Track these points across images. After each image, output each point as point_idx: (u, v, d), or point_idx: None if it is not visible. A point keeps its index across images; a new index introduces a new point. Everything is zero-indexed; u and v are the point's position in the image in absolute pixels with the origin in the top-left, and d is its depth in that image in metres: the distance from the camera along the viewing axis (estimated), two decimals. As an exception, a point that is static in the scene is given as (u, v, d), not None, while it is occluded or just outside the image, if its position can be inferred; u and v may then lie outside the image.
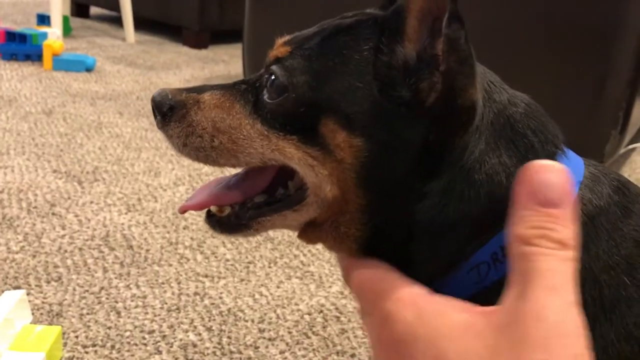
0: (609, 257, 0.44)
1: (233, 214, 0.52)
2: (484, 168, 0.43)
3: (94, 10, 3.75)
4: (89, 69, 2.50)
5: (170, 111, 0.50)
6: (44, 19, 3.02)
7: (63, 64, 2.46)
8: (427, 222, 0.44)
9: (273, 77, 0.47)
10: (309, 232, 0.50)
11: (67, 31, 3.05)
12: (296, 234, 0.53)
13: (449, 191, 0.43)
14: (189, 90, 0.53)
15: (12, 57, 2.52)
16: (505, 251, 0.43)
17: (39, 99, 2.07)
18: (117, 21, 3.36)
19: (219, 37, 3.32)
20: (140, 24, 3.34)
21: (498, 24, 1.79)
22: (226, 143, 0.49)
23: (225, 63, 2.98)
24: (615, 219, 0.45)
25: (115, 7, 3.15)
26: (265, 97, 0.47)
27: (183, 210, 0.53)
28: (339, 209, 0.46)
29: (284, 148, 0.46)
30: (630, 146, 2.03)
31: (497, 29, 1.79)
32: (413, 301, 0.39)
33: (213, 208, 0.53)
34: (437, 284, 0.45)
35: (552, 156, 0.45)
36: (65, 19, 3.04)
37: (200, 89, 0.52)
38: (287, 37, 0.50)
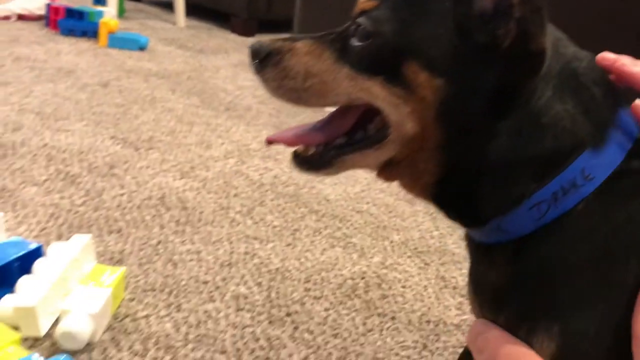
0: None
1: (317, 153, 0.57)
2: (550, 113, 0.48)
3: (145, -6, 3.85)
4: (142, 48, 2.59)
5: (267, 57, 0.56)
6: (99, 0, 3.13)
7: (118, 42, 2.55)
8: (496, 160, 0.49)
9: (360, 25, 0.52)
10: (387, 171, 0.55)
11: (121, 12, 3.16)
12: (374, 175, 0.57)
13: (518, 132, 0.48)
14: (283, 40, 0.58)
15: (70, 32, 2.62)
16: (564, 191, 0.48)
17: (95, 72, 2.16)
18: (168, 6, 3.46)
19: (266, 26, 3.39)
20: (191, 10, 3.43)
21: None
22: (317, 84, 0.54)
23: (271, 51, 3.04)
24: None
25: (168, -9, 3.24)
26: (354, 43, 0.53)
27: (270, 141, 0.58)
28: (417, 146, 0.51)
29: (370, 88, 0.51)
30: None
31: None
32: None
33: (299, 148, 0.58)
34: (499, 219, 0.50)
35: (613, 108, 0.49)
36: (120, 1, 3.14)
37: (292, 39, 0.57)
38: None
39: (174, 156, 1.55)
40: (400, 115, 0.51)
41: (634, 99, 0.51)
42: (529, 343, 0.47)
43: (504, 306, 0.51)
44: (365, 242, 1.28)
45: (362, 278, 1.14)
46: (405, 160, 0.53)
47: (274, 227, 1.28)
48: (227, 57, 2.76)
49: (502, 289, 0.51)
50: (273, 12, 3.29)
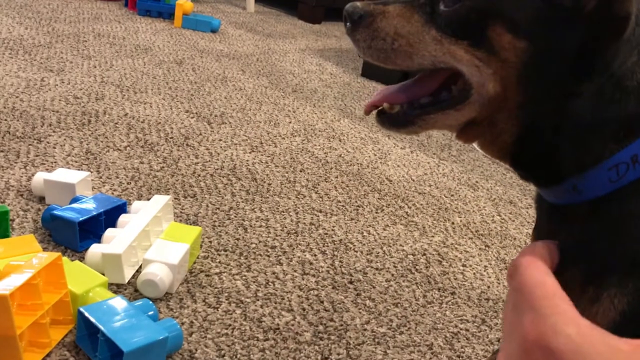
0: None
1: (401, 112, 0.60)
2: (635, 77, 0.49)
3: (217, -21, 3.95)
4: (213, 30, 2.67)
5: (359, 19, 0.60)
6: (174, -17, 3.23)
7: (191, 23, 2.64)
8: (577, 120, 0.51)
9: None
10: (468, 131, 0.58)
11: (194, -4, 3.25)
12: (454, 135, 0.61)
13: (600, 94, 0.50)
14: (375, 3, 0.62)
15: (146, 13, 2.73)
16: None
17: (171, 51, 2.25)
18: (239, -9, 3.54)
19: (332, 14, 3.43)
20: (260, -5, 3.50)
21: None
22: (404, 46, 0.57)
23: (337, 38, 3.09)
24: None
25: (239, -23, 3.32)
26: (442, 7, 0.56)
27: (368, 109, 0.63)
28: (498, 107, 0.54)
29: (455, 51, 0.54)
30: None
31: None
32: (575, 319, 0.39)
33: (385, 105, 0.62)
34: (575, 179, 0.52)
35: None
36: (194, -16, 3.24)
37: (384, 3, 0.61)
38: None
39: (244, 131, 1.61)
40: (482, 77, 0.53)
41: None
42: (598, 298, 0.50)
43: (569, 265, 0.53)
44: (427, 222, 1.31)
45: (423, 255, 1.17)
46: (485, 120, 0.56)
47: (338, 201, 1.32)
48: (295, 42, 2.81)
49: (571, 248, 0.53)
50: (339, 0, 3.32)
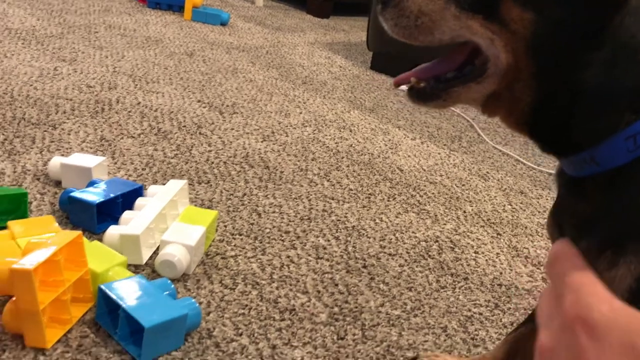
0: None
1: (428, 86, 0.63)
2: None
3: (225, -26, 3.96)
4: (223, 23, 2.68)
5: (389, 1, 0.62)
6: (184, -23, 3.24)
7: (201, 16, 2.65)
8: (590, 90, 0.52)
9: None
10: (490, 104, 0.60)
11: (203, -11, 3.26)
12: (479, 109, 0.62)
13: (612, 63, 0.51)
14: None
15: (156, 5, 2.74)
16: None
17: (181, 43, 2.26)
18: (247, -14, 3.54)
19: (341, 9, 3.44)
20: (269, -10, 3.51)
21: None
22: (427, 22, 0.59)
23: (345, 32, 3.09)
24: None
25: (248, -29, 3.33)
26: None
27: (397, 83, 0.65)
28: (513, 78, 0.55)
29: (471, 25, 0.56)
30: None
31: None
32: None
33: (413, 80, 0.64)
34: (593, 149, 0.53)
35: None
36: (203, -22, 3.25)
37: None
38: None
39: (255, 121, 1.62)
40: (495, 49, 0.55)
41: None
42: (615, 264, 0.50)
43: (587, 234, 0.54)
44: (439, 210, 1.31)
45: (436, 241, 1.18)
46: (504, 91, 0.57)
47: (350, 190, 1.33)
48: (304, 35, 2.82)
49: (589, 218, 0.55)
50: (350, -6, 3.33)
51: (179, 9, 2.72)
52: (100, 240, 0.96)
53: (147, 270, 0.93)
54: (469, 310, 0.98)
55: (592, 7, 0.51)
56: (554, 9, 0.52)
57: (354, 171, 1.43)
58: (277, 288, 0.94)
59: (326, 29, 3.10)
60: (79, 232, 0.80)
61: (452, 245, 1.18)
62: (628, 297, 0.50)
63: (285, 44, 2.59)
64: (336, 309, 0.92)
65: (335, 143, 1.58)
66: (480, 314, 0.98)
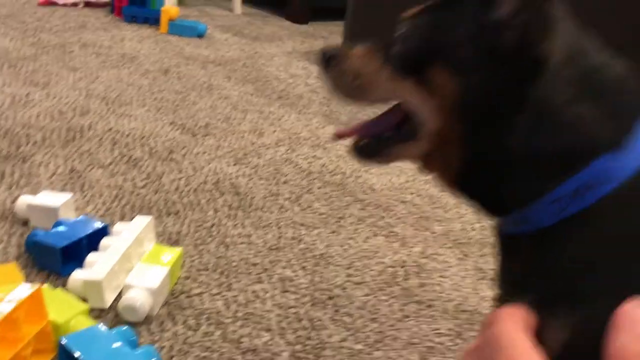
0: None
1: (369, 144, 0.66)
2: (571, 114, 0.51)
3: (204, -20, 3.95)
4: (200, 35, 2.69)
5: (329, 60, 0.64)
6: (161, -14, 3.24)
7: (177, 29, 2.65)
8: (516, 154, 0.53)
9: (401, 32, 0.59)
10: (426, 162, 0.62)
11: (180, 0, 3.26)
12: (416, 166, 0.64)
13: (535, 127, 0.52)
14: (345, 46, 0.66)
15: (132, 19, 2.74)
16: (586, 188, 0.52)
17: (157, 59, 2.26)
18: (226, -8, 3.54)
19: (319, 14, 3.44)
20: (247, -3, 3.51)
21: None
22: (364, 83, 0.62)
23: (324, 39, 3.10)
24: None
25: (226, -22, 3.33)
26: (395, 48, 0.59)
27: (339, 135, 0.69)
28: (443, 140, 0.57)
29: (403, 87, 0.58)
30: None
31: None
32: None
33: (354, 138, 0.67)
34: (522, 211, 0.54)
35: (632, 117, 0.53)
36: (180, -13, 3.25)
37: (352, 45, 0.65)
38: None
39: (228, 142, 1.63)
40: (426, 111, 0.57)
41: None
42: (546, 326, 0.52)
43: (525, 292, 0.56)
44: (407, 232, 1.33)
45: (402, 266, 1.20)
46: (436, 152, 0.59)
47: (320, 214, 1.35)
48: (282, 44, 2.83)
49: (525, 275, 0.56)
50: (327, 0, 3.33)
51: (155, 21, 2.73)
52: (66, 282, 0.97)
53: (112, 313, 0.94)
54: (431, 340, 1.00)
55: (512, 73, 0.52)
56: (478, 75, 0.54)
57: (325, 193, 1.45)
58: (240, 327, 0.96)
59: (305, 36, 3.10)
60: (38, 286, 0.81)
61: (418, 270, 1.19)
62: (561, 352, 0.52)
63: (262, 54, 2.59)
64: (299, 347, 0.94)
65: (308, 163, 1.59)
66: (442, 344, 1.00)
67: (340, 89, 0.64)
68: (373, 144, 0.65)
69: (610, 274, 0.51)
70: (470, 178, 0.58)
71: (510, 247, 0.59)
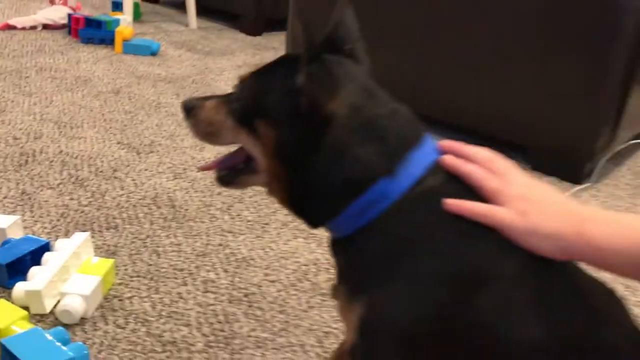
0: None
1: (226, 175, 0.83)
2: (354, 152, 0.69)
3: (163, -5, 4.09)
4: (153, 53, 2.83)
5: (189, 111, 0.81)
6: (117, 5, 3.37)
7: (132, 48, 2.80)
8: (317, 184, 0.71)
9: (237, 93, 0.76)
10: (267, 189, 0.79)
11: (137, 16, 3.40)
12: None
13: (328, 164, 0.70)
14: (203, 98, 0.82)
15: (89, 40, 2.88)
16: (370, 205, 0.69)
17: (109, 80, 2.41)
18: (183, 7, 3.67)
19: (274, 25, 3.60)
20: (203, 11, 3.66)
21: (503, 32, 2.00)
22: (213, 130, 0.79)
23: (275, 50, 3.26)
24: (439, 194, 0.70)
25: (181, -6, 3.47)
26: (233, 105, 0.76)
27: (203, 169, 0.87)
28: (273, 174, 0.74)
29: (240, 135, 0.75)
30: (631, 142, 2.19)
31: (503, 36, 2.00)
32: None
33: (214, 171, 0.83)
34: (331, 223, 0.72)
35: (405, 150, 0.70)
36: (136, 5, 3.39)
37: (208, 98, 0.81)
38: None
39: (170, 159, 1.79)
40: (256, 153, 0.75)
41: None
42: (353, 307, 0.70)
43: (344, 282, 0.74)
44: (325, 234, 1.50)
45: (315, 264, 1.37)
46: (272, 182, 0.76)
47: (248, 221, 1.51)
48: (233, 58, 2.98)
49: (344, 269, 0.75)
50: (279, 11, 3.48)
51: (111, 42, 2.86)
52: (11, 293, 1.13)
53: (51, 317, 1.10)
54: (329, 326, 1.17)
55: (311, 126, 0.70)
56: (287, 127, 0.71)
57: (255, 202, 1.61)
58: (163, 324, 1.13)
59: (257, 48, 3.26)
60: (-19, 297, 0.97)
61: (328, 266, 1.36)
62: (359, 325, 0.70)
63: (212, 69, 2.75)
64: (212, 338, 1.11)
65: (243, 173, 1.76)
66: (337, 328, 1.17)
67: (197, 134, 0.81)
68: (229, 175, 0.82)
69: (389, 265, 0.69)
70: (295, 200, 0.75)
71: (336, 248, 0.77)
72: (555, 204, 0.69)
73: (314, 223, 0.76)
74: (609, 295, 0.76)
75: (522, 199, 0.68)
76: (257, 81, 0.75)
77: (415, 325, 0.67)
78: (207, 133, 0.80)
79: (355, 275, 0.72)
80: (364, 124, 0.70)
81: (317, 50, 0.67)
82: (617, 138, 1.98)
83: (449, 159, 0.71)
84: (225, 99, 0.79)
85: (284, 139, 0.71)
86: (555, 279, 0.68)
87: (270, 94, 0.72)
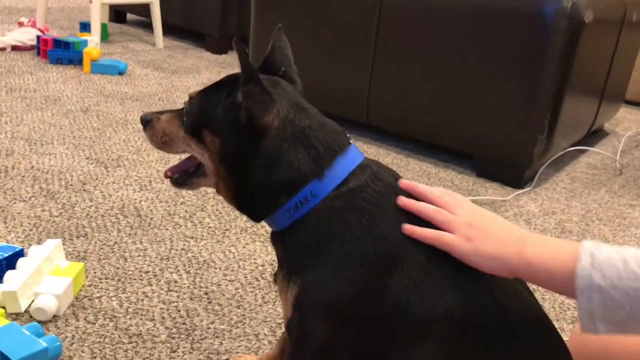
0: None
1: (179, 177, 0.94)
2: (287, 157, 0.82)
3: (130, 16, 4.20)
4: (121, 73, 2.95)
5: (147, 122, 0.93)
6: (85, 27, 3.49)
7: (100, 68, 2.91)
8: (257, 183, 0.83)
9: (187, 107, 0.88)
10: (216, 189, 0.91)
11: (105, 37, 3.51)
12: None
13: (267, 167, 0.82)
14: (158, 112, 0.94)
15: (57, 61, 2.98)
16: (301, 202, 0.82)
17: (78, 99, 2.52)
18: (150, 27, 3.79)
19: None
20: (169, 30, 3.79)
21: (449, 52, 2.17)
22: (168, 140, 0.91)
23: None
24: (361, 193, 0.83)
25: (149, 14, 3.59)
26: (184, 118, 0.89)
27: (165, 174, 0.96)
28: (219, 177, 0.87)
29: (190, 143, 0.88)
30: (567, 149, 2.37)
31: (449, 56, 2.17)
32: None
33: (169, 174, 0.95)
34: (270, 218, 0.85)
35: (332, 156, 0.84)
36: (104, 26, 3.50)
37: (163, 112, 0.93)
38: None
39: (136, 172, 1.90)
40: (204, 159, 0.87)
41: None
42: (289, 288, 0.83)
43: (283, 268, 0.87)
44: (281, 237, 1.63)
45: (271, 264, 1.49)
46: (219, 184, 0.88)
47: (209, 228, 1.63)
48: (198, 76, 3.11)
49: (282, 257, 0.87)
50: (243, 30, 3.62)
51: (79, 62, 2.97)
52: (-11, 296, 1.23)
53: (26, 316, 1.21)
54: (281, 318, 1.30)
55: (249, 134, 0.82)
56: (229, 137, 0.84)
57: (217, 210, 1.73)
58: (130, 319, 1.24)
59: (222, 66, 3.39)
60: (-38, 296, 1.08)
61: (283, 267, 1.49)
62: (293, 302, 0.83)
63: (179, 87, 2.87)
64: (174, 330, 1.22)
65: (206, 184, 1.88)
66: (289, 320, 1.29)
67: (154, 143, 0.94)
68: (182, 178, 0.94)
69: (318, 252, 0.82)
70: (239, 199, 0.88)
71: (275, 239, 0.90)
72: (498, 229, 0.80)
73: (256, 218, 0.89)
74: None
75: (468, 226, 0.79)
76: (204, 98, 0.88)
77: (339, 301, 0.80)
78: (162, 142, 0.92)
79: (290, 261, 0.85)
80: (295, 133, 0.83)
81: (254, 72, 0.80)
82: (554, 146, 2.15)
83: (402, 200, 0.83)
84: (178, 113, 0.92)
85: (227, 147, 0.84)
86: (458, 264, 0.82)
87: (215, 109, 0.85)
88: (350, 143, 0.88)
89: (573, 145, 2.42)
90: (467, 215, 0.81)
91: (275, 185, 0.83)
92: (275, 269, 1.48)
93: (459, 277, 0.82)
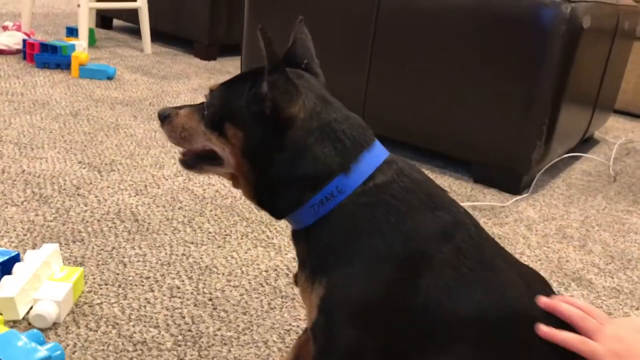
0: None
1: (190, 160, 0.89)
2: (313, 151, 0.78)
3: (116, 22, 4.15)
4: (110, 78, 2.89)
5: (165, 118, 0.89)
6: (72, 32, 3.42)
7: (88, 73, 2.85)
8: (281, 179, 0.80)
9: (208, 101, 0.85)
10: (233, 183, 0.87)
11: (92, 42, 3.46)
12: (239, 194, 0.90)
13: (292, 160, 0.79)
14: (176, 107, 0.90)
15: (44, 65, 2.92)
16: (328, 198, 0.79)
17: (67, 103, 2.46)
18: (137, 33, 3.75)
19: (227, 50, 3.70)
20: (157, 37, 3.74)
21: (445, 53, 2.16)
22: (187, 136, 0.87)
23: (230, 74, 3.36)
24: (388, 189, 0.80)
25: (136, 20, 3.54)
26: (204, 112, 0.85)
27: (180, 158, 0.91)
28: (239, 170, 0.83)
29: (211, 139, 0.84)
30: (563, 156, 2.37)
31: (447, 63, 2.16)
32: None
33: (182, 153, 0.90)
34: (292, 215, 0.82)
35: (358, 151, 0.81)
36: (91, 31, 3.44)
37: (181, 107, 0.90)
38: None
39: (130, 176, 1.86)
40: (225, 153, 0.83)
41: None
42: (314, 289, 0.79)
43: (306, 268, 0.83)
44: (283, 242, 1.59)
45: (275, 270, 1.46)
46: (238, 177, 0.85)
47: (209, 233, 1.59)
48: (188, 82, 3.06)
49: (305, 257, 0.84)
50: (232, 37, 3.60)
51: (67, 66, 2.91)
52: (-16, 303, 1.18)
53: (24, 323, 1.15)
54: (290, 324, 1.26)
55: (274, 127, 0.79)
56: (253, 130, 0.80)
57: (215, 215, 1.69)
58: (133, 326, 1.19)
59: (211, 72, 3.35)
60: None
61: (287, 272, 1.45)
62: (319, 304, 0.79)
63: (169, 92, 2.82)
64: (180, 337, 1.18)
65: (203, 190, 1.84)
66: (298, 326, 1.26)
67: (172, 139, 0.90)
68: (192, 160, 0.89)
69: (344, 251, 0.79)
70: (260, 194, 0.84)
71: (297, 238, 0.86)
72: None
73: (278, 214, 0.85)
74: (534, 274, 0.88)
75: (617, 340, 0.78)
76: (226, 90, 0.84)
77: (367, 302, 0.77)
78: (181, 138, 0.88)
79: (315, 261, 0.82)
80: (321, 126, 0.80)
81: (279, 62, 0.77)
82: (551, 153, 2.15)
83: (543, 332, 0.78)
84: (197, 107, 0.88)
85: (251, 140, 0.81)
86: (487, 260, 0.80)
87: (238, 101, 0.82)
88: (374, 138, 0.85)
89: (567, 152, 2.43)
90: (616, 328, 0.81)
91: (301, 180, 0.80)
92: (279, 274, 1.47)
93: (487, 275, 0.80)
